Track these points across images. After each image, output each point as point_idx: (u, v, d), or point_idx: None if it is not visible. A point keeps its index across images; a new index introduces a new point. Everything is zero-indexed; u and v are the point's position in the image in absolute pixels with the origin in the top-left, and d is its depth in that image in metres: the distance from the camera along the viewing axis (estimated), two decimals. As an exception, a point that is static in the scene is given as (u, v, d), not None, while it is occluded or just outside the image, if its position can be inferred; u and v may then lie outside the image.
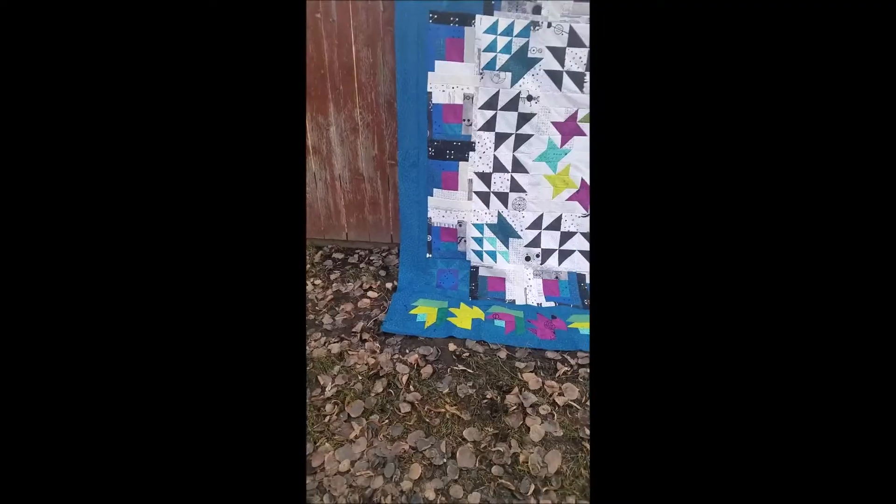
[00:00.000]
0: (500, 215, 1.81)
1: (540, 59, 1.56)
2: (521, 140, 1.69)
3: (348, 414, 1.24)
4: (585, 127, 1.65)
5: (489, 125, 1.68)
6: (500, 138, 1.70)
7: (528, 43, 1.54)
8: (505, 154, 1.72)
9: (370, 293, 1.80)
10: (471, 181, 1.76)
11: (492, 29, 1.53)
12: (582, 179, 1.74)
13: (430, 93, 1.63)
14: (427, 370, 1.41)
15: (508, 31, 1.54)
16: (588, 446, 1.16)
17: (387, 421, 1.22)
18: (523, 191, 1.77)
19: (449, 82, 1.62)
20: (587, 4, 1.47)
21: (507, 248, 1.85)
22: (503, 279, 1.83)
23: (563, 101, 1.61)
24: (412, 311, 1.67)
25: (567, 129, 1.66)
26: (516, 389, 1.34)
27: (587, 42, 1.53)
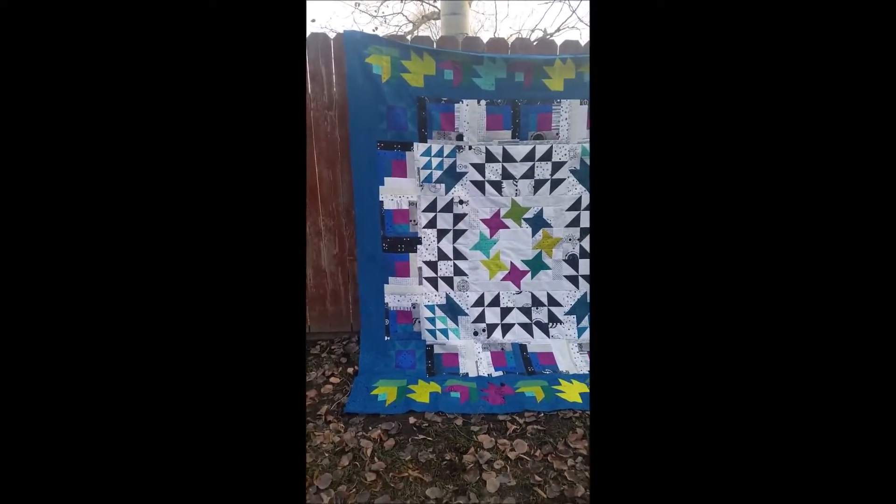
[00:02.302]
0: (447, 296, 2.09)
1: (466, 173, 2.01)
2: (458, 234, 2.07)
3: (317, 487, 1.30)
4: (507, 221, 2.07)
5: (431, 224, 2.04)
6: (442, 233, 2.06)
7: (455, 161, 2.00)
8: (446, 245, 2.07)
9: (332, 379, 1.91)
10: (420, 269, 2.06)
11: (426, 152, 1.98)
12: (511, 262, 2.09)
13: (382, 202, 2.00)
14: (390, 443, 1.52)
15: (440, 153, 1.99)
16: (539, 491, 1.30)
17: (354, 490, 1.30)
18: (465, 274, 2.09)
19: (396, 193, 2.00)
20: (497, 131, 1.98)
21: (457, 325, 2.09)
22: (456, 354, 2.04)
23: (487, 203, 2.04)
24: (373, 392, 1.80)
25: (493, 223, 2.07)
26: (472, 450, 1.47)
27: (500, 158, 2.01)
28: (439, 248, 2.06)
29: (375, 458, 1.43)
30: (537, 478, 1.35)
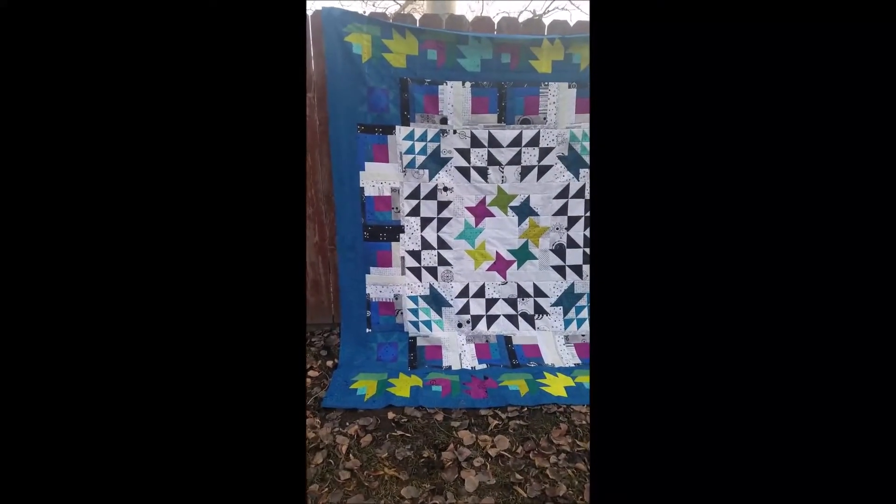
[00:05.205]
0: (431, 287, 2.02)
1: (450, 158, 1.93)
2: (442, 222, 1.99)
3: (286, 487, 1.24)
4: (493, 209, 1.99)
5: (414, 211, 1.96)
6: (425, 222, 1.98)
7: (439, 146, 1.91)
8: (430, 234, 1.99)
9: (311, 372, 1.85)
10: (403, 258, 1.99)
11: (409, 136, 1.90)
12: (497, 252, 2.03)
13: (363, 188, 1.92)
14: (367, 439, 1.46)
15: (423, 138, 1.90)
16: (519, 490, 1.25)
17: (326, 489, 1.24)
18: (449, 264, 2.02)
19: (378, 179, 1.92)
20: (482, 115, 1.89)
21: (441, 316, 2.03)
22: (440, 347, 1.97)
23: (472, 190, 1.96)
24: (352, 386, 1.74)
25: (478, 211, 1.99)
26: (451, 446, 1.42)
27: (486, 143, 1.92)
28: (423, 237, 1.99)
29: (351, 456, 1.37)
30: (518, 476, 1.30)
